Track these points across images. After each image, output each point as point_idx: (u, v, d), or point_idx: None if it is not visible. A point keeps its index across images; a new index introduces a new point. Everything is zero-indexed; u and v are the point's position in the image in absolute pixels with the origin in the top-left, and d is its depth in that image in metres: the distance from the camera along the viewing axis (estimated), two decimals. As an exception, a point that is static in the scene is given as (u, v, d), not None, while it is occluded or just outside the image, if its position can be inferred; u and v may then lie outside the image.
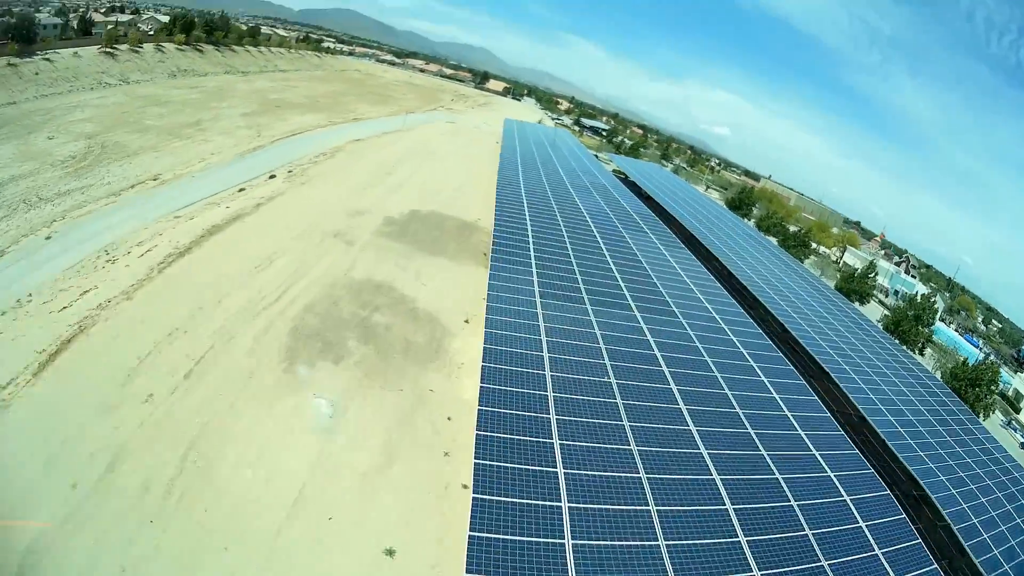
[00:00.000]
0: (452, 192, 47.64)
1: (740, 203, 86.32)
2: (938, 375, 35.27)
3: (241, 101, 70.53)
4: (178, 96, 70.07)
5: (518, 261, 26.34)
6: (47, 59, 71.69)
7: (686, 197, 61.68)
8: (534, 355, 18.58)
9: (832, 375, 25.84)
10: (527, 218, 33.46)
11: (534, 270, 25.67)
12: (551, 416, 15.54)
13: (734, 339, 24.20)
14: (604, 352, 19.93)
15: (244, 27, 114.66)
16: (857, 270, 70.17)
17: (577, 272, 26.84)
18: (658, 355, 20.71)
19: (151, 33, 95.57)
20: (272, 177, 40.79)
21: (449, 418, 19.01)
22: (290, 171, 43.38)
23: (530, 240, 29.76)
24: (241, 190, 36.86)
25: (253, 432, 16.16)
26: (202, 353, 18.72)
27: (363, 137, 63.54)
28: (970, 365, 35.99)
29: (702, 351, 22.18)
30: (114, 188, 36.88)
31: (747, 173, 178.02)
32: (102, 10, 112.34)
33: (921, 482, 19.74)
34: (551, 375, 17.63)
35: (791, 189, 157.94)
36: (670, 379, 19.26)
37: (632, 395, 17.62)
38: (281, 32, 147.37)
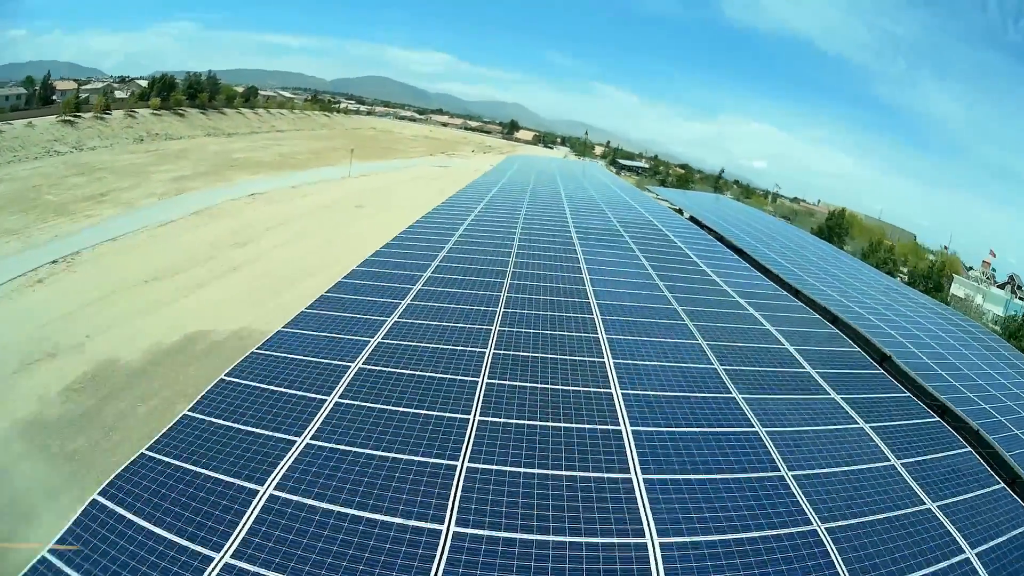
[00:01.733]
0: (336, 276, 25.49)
1: (831, 233, 66.96)
2: None
3: (193, 163, 57.48)
4: (124, 162, 57.90)
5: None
6: (-4, 130, 62.63)
7: (791, 241, 36.40)
8: None
9: None
10: (359, 356, 10.70)
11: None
12: None
13: None
14: None
15: (238, 89, 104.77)
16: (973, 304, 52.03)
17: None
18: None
19: (125, 98, 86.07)
20: (54, 263, 25.41)
21: None
22: (76, 252, 28.14)
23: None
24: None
25: None
26: None
27: (265, 191, 47.46)
28: None
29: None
30: None
31: (794, 200, 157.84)
32: (115, 83, 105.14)
33: None
34: None
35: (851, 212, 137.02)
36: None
37: None
38: (286, 93, 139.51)
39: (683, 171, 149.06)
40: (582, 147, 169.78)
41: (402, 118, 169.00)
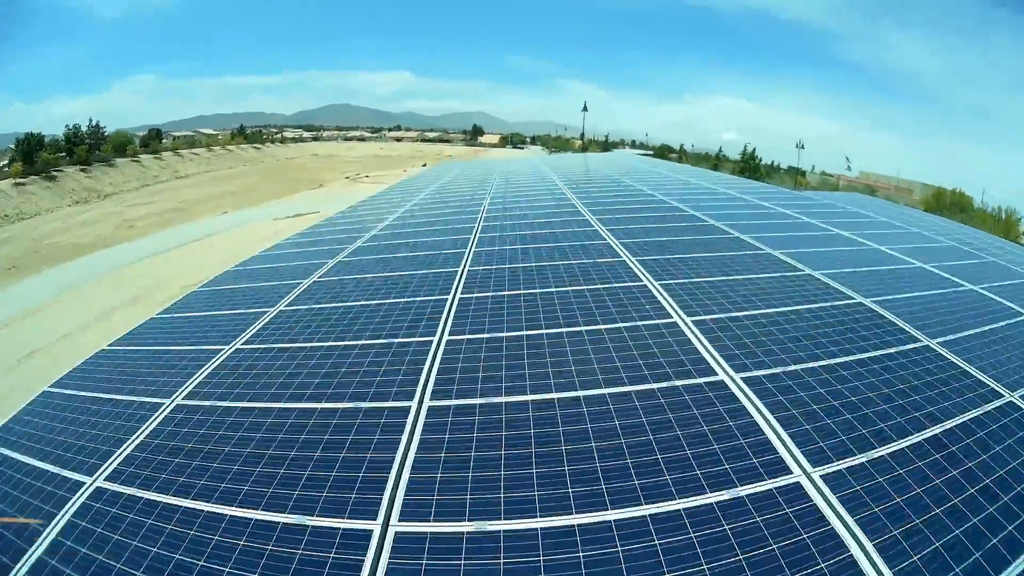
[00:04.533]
0: None
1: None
2: None
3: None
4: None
5: None
6: None
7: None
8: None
9: None
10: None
11: None
12: None
13: None
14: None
15: (135, 137, 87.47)
16: None
17: None
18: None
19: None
20: None
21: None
22: None
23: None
24: None
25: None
26: None
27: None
28: None
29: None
30: None
31: (790, 171, 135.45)
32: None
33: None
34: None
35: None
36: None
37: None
38: (207, 131, 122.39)
39: (675, 153, 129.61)
40: (558, 143, 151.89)
41: (349, 139, 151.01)
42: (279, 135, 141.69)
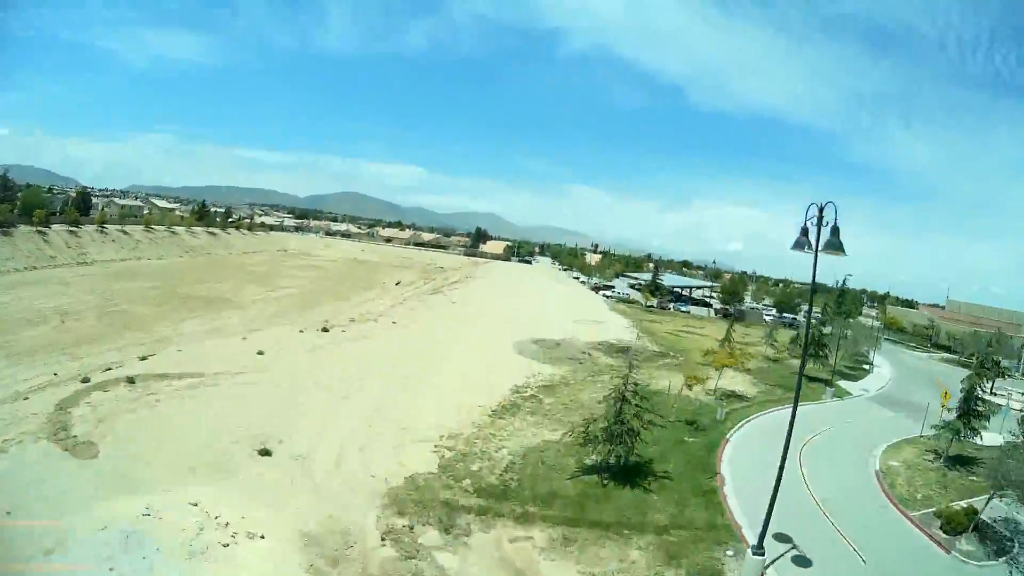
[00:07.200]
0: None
1: None
2: None
3: None
4: None
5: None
6: None
7: None
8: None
9: None
10: None
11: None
12: None
13: None
14: None
15: (51, 195, 72.68)
16: None
17: None
18: None
19: None
20: None
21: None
22: None
23: None
24: None
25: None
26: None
27: None
28: None
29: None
30: None
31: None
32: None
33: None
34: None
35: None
36: None
37: None
38: (161, 203, 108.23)
39: (729, 277, 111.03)
40: (570, 258, 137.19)
41: (332, 234, 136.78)
42: (249, 219, 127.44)
